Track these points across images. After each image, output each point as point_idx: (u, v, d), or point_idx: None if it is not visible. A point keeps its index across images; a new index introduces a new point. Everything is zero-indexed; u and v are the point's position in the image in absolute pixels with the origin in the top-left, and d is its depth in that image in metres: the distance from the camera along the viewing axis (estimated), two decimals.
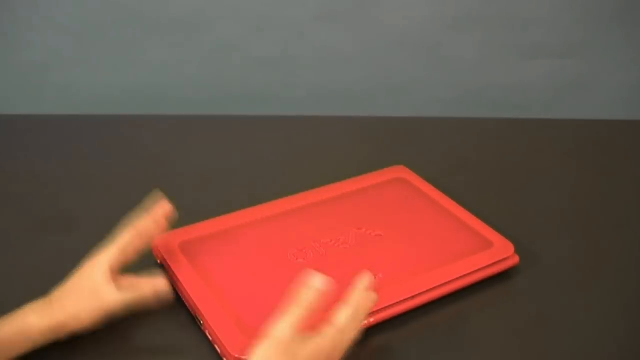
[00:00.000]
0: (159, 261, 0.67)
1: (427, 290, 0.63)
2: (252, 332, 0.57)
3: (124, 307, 0.56)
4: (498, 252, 0.67)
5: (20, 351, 0.52)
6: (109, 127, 0.96)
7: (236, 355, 0.55)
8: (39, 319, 0.53)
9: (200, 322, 0.59)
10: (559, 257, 0.72)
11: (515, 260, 0.68)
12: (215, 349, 0.58)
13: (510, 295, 0.67)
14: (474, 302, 0.65)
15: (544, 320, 0.63)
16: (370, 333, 0.60)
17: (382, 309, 0.60)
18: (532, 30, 1.11)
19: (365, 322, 0.59)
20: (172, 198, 0.76)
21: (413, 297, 0.62)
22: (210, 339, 0.58)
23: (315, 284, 0.53)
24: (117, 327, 0.61)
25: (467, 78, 1.15)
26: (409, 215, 0.73)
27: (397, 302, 0.61)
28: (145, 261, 0.65)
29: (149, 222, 0.61)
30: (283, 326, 0.50)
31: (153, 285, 0.58)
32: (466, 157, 0.91)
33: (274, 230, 0.70)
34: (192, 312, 0.61)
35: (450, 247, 0.68)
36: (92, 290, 0.55)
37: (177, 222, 0.70)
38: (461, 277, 0.65)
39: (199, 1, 1.06)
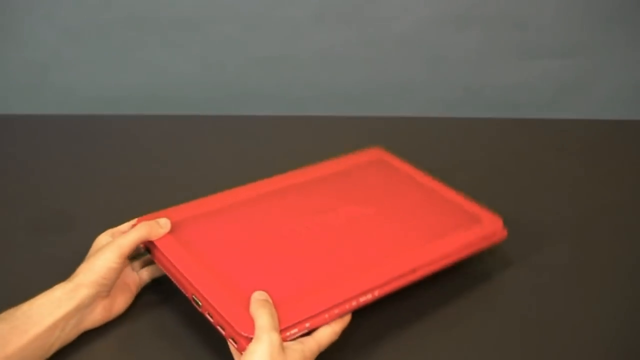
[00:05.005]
0: (142, 246, 0.64)
1: (421, 266, 0.62)
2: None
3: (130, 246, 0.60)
4: (486, 226, 0.68)
5: (52, 319, 0.55)
6: (108, 127, 0.96)
7: (245, 334, 0.53)
8: (62, 285, 0.57)
9: (198, 303, 0.57)
10: (558, 256, 0.72)
11: (504, 234, 0.68)
12: (218, 329, 0.55)
13: (508, 295, 0.67)
14: (474, 302, 0.65)
15: (542, 321, 0.63)
16: (360, 314, 0.60)
17: (375, 287, 0.59)
18: (532, 30, 1.10)
19: (355, 304, 0.58)
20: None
21: (405, 274, 0.61)
22: (212, 320, 0.56)
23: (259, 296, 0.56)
24: (117, 321, 0.61)
25: (467, 78, 1.15)
26: (394, 195, 0.73)
27: (388, 281, 0.60)
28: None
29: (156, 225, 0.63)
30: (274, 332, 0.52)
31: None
32: (466, 157, 0.91)
33: (257, 210, 0.68)
34: (189, 295, 0.58)
35: (439, 224, 0.68)
36: (98, 249, 0.60)
37: None
38: (453, 252, 0.64)
39: (199, 1, 1.06)
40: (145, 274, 0.65)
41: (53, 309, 0.56)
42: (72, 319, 0.57)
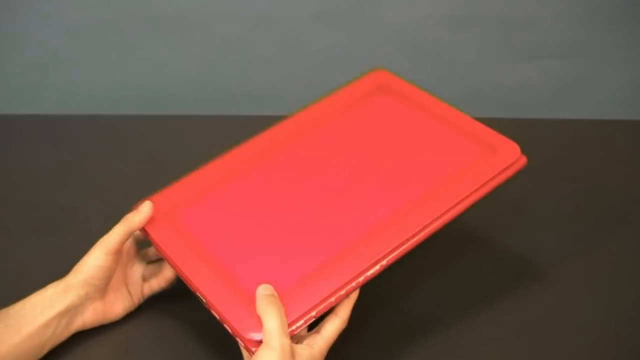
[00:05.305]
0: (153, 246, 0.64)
1: (444, 213, 0.58)
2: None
3: (119, 241, 0.59)
4: (502, 158, 0.62)
5: (44, 318, 0.56)
6: (108, 127, 0.96)
7: (249, 337, 0.52)
8: (54, 285, 0.58)
9: (203, 300, 0.56)
10: (558, 258, 0.71)
11: (523, 161, 0.63)
12: (224, 327, 0.55)
13: (508, 297, 0.67)
14: (476, 305, 0.65)
15: (543, 324, 0.63)
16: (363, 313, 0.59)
17: (381, 257, 0.55)
18: (532, 30, 1.10)
19: (362, 280, 0.55)
20: None
21: (414, 235, 0.57)
22: (218, 317, 0.54)
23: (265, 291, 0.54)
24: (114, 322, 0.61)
25: (467, 78, 1.15)
26: (399, 134, 0.67)
27: (396, 247, 0.56)
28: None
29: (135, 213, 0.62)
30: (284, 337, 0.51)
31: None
32: None
33: (252, 181, 0.64)
34: (194, 292, 0.57)
35: (452, 160, 0.62)
36: (90, 251, 0.60)
37: None
38: (465, 198, 0.59)
39: (199, 1, 1.06)
40: (147, 287, 0.64)
41: (45, 308, 0.56)
42: (63, 318, 0.57)
